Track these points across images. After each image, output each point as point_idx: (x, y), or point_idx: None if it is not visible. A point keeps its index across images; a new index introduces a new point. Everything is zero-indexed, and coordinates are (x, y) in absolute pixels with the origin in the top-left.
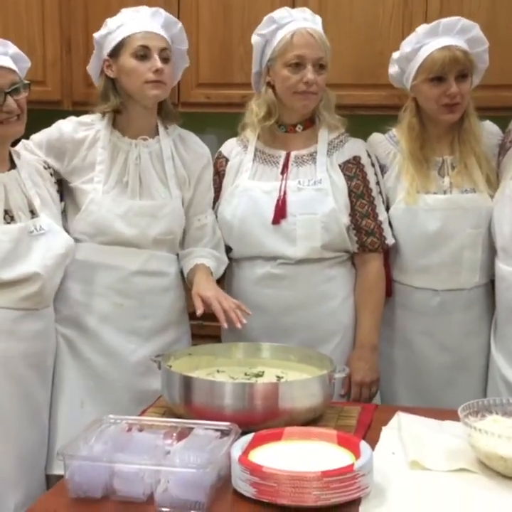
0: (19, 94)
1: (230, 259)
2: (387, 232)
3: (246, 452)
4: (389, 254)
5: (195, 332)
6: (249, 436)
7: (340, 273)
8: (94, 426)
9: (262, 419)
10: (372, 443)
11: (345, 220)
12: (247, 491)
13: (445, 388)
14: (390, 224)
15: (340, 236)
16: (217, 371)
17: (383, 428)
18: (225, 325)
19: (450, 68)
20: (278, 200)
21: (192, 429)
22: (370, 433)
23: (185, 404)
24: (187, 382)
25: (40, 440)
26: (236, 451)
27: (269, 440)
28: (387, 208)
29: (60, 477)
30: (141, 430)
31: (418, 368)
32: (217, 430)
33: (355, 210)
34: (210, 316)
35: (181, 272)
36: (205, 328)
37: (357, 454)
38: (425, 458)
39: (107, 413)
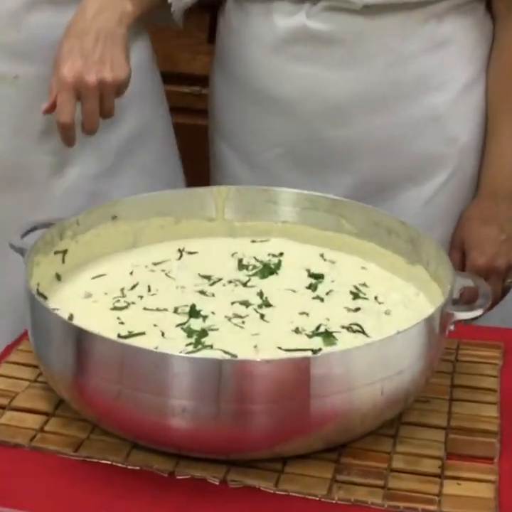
0: None
1: None
2: None
3: None
4: None
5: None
6: None
7: (460, 32)
8: None
9: (267, 442)
10: None
11: None
12: None
13: None
14: None
15: None
16: (180, 254)
17: None
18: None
19: None
20: None
21: None
22: None
23: (77, 390)
24: (81, 341)
25: None
26: None
27: None
28: None
29: None
30: None
31: None
32: None
33: None
34: None
35: None
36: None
37: None
38: None
39: None
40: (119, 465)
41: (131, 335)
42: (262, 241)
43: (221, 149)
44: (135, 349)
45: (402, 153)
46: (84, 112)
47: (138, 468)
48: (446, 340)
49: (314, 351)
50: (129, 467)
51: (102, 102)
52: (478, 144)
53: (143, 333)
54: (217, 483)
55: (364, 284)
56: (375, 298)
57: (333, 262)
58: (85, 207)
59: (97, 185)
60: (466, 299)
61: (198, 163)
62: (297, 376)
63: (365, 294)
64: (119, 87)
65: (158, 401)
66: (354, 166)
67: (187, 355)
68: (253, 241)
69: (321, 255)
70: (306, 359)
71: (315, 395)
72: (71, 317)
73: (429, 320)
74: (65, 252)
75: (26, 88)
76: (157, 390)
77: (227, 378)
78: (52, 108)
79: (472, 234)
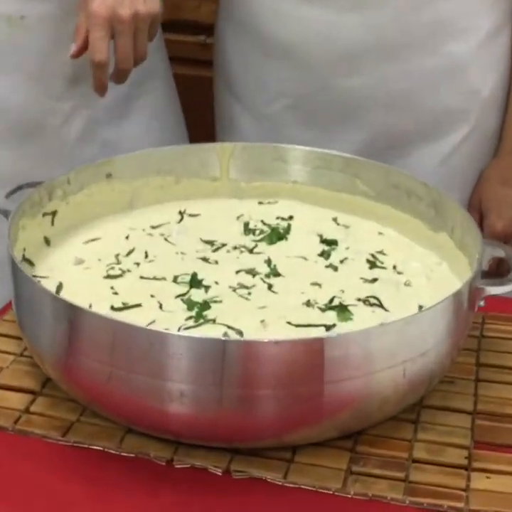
0: None
1: None
2: None
3: None
4: None
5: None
6: None
7: None
8: None
9: (274, 430)
10: None
11: None
12: None
13: None
14: None
15: None
16: (181, 216)
17: None
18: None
19: None
20: None
21: None
22: None
23: (66, 370)
24: (69, 316)
25: None
26: None
27: None
28: None
29: None
30: None
31: None
32: None
33: None
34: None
35: None
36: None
37: None
38: None
39: None
40: (112, 451)
41: (125, 307)
42: (269, 203)
43: (225, 100)
44: (128, 326)
45: (416, 106)
46: (118, 50)
47: (133, 455)
48: (473, 317)
49: (328, 327)
50: (123, 454)
51: (135, 42)
52: (501, 97)
53: (139, 305)
54: (219, 474)
55: (381, 252)
56: (394, 267)
57: (347, 227)
58: (96, 155)
59: (107, 132)
60: (490, 269)
61: (201, 117)
62: (310, 358)
63: (382, 263)
64: (153, 23)
65: (154, 384)
66: (364, 119)
67: (186, 333)
68: (260, 203)
69: (334, 219)
70: (320, 340)
71: (329, 379)
72: (60, 286)
73: (456, 295)
74: (54, 213)
75: (35, 30)
76: (152, 371)
77: (231, 360)
78: (83, 49)
79: (490, 195)
